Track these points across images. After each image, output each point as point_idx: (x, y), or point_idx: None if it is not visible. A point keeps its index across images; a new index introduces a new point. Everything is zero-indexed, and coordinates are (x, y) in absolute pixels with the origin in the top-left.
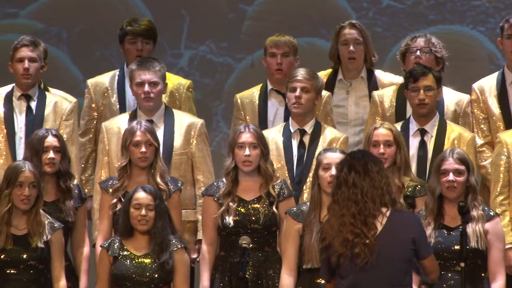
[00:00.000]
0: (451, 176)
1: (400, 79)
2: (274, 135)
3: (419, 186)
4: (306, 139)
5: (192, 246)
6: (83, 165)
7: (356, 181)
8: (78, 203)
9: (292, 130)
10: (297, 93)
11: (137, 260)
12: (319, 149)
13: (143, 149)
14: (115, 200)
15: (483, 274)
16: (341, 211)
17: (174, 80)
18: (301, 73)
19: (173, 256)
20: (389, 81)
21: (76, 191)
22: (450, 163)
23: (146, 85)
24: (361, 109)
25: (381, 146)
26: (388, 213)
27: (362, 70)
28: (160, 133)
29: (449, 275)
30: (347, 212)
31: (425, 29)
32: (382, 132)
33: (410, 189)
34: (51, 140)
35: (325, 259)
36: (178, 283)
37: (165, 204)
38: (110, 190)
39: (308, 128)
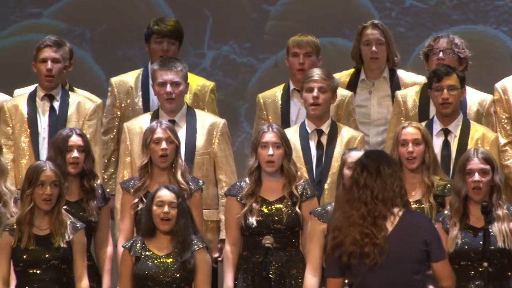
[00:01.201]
0: (476, 176)
1: (422, 79)
2: (290, 135)
3: (449, 185)
4: (324, 139)
5: (215, 245)
6: (105, 163)
7: (367, 182)
8: (101, 203)
9: (309, 131)
10: (315, 93)
11: (159, 260)
12: (337, 149)
13: (164, 146)
14: (136, 200)
15: (510, 273)
16: (350, 211)
17: (198, 82)
18: (317, 73)
19: (194, 256)
20: (412, 80)
21: (99, 191)
22: (476, 163)
23: (168, 85)
24: (384, 109)
25: (410, 144)
26: (400, 213)
27: (384, 70)
28: (182, 133)
29: (477, 275)
30: (356, 213)
31: (448, 29)
32: (411, 131)
33: (440, 188)
34: (75, 140)
35: (336, 258)
36: (199, 283)
37: (187, 204)
38: (131, 190)
39: (325, 128)
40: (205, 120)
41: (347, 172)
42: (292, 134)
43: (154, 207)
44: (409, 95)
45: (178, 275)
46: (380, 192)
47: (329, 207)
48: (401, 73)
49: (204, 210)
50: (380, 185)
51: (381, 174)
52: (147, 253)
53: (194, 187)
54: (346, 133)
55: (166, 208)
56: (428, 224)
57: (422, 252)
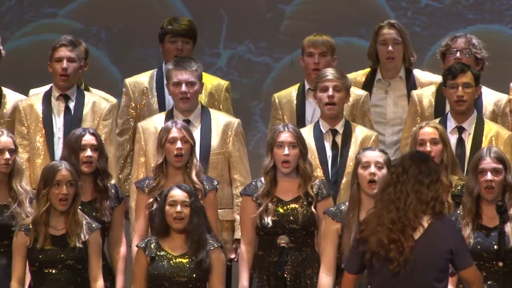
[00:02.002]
0: (489, 176)
1: (438, 78)
2: (304, 136)
3: None
4: (339, 139)
5: (230, 245)
6: (121, 164)
7: (403, 188)
8: (114, 203)
9: (323, 131)
10: (330, 92)
11: (174, 260)
12: (352, 148)
13: (179, 145)
14: (151, 200)
15: None
16: (381, 210)
17: (213, 81)
18: (331, 72)
19: (209, 255)
20: (428, 80)
21: (113, 190)
22: (488, 162)
23: (183, 85)
24: (400, 109)
25: (428, 144)
26: (428, 222)
27: (400, 70)
28: (197, 133)
29: (489, 275)
30: (386, 215)
31: (463, 29)
32: (428, 130)
33: (458, 187)
34: (88, 139)
35: (360, 253)
36: (214, 282)
37: (200, 202)
38: (146, 189)
39: (339, 127)
40: (220, 120)
41: (361, 171)
42: (306, 134)
43: (167, 207)
44: (425, 95)
45: (194, 275)
46: (413, 202)
47: (343, 207)
48: (417, 72)
49: (219, 210)
50: (414, 195)
51: (418, 183)
52: (162, 253)
53: (209, 187)
54: (360, 132)
55: (178, 208)
56: (455, 233)
57: (446, 261)
